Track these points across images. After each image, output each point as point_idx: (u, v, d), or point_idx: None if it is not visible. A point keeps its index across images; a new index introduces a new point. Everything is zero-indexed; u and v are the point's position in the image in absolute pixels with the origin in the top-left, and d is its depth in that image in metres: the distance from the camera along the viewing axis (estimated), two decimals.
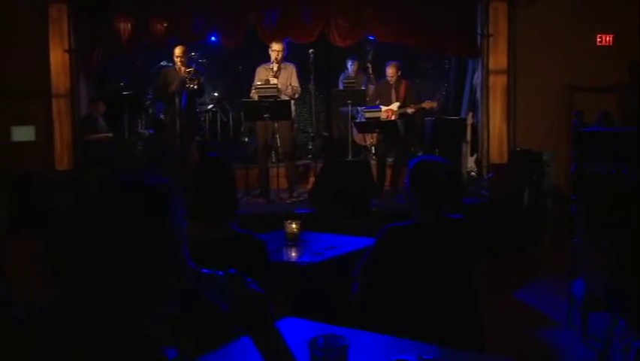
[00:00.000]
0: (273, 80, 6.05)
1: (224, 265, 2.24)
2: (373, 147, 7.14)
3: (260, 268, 2.35)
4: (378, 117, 6.31)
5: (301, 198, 6.14)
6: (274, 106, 5.77)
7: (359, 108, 7.72)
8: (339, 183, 5.43)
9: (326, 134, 8.85)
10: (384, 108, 6.63)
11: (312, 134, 7.61)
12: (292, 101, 6.20)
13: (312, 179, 7.03)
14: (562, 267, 4.52)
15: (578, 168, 4.77)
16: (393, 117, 6.57)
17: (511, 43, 7.14)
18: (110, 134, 6.93)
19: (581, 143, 4.70)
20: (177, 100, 5.90)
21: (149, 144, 6.80)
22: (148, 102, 7.78)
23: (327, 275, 2.99)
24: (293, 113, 6.21)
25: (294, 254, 3.21)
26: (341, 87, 8.03)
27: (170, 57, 7.02)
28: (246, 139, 6.59)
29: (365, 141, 7.14)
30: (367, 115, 6.30)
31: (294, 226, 3.35)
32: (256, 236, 2.41)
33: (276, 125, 6.03)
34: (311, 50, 6.34)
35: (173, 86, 6.02)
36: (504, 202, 6.20)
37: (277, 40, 6.46)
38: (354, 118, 7.77)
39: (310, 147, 7.82)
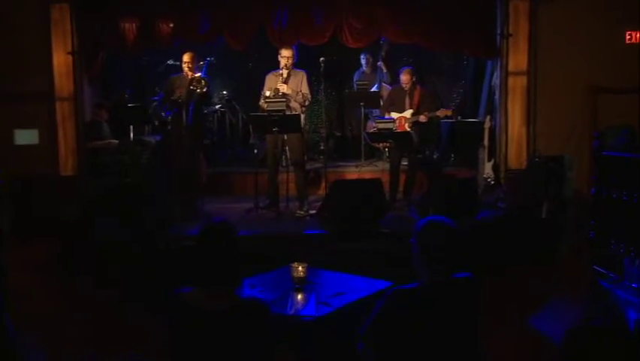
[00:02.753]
0: (283, 88, 6.00)
1: (227, 337, 2.34)
2: (387, 149, 7.15)
3: (263, 336, 2.41)
4: (391, 128, 6.28)
5: (311, 212, 6.15)
6: (283, 120, 5.76)
7: (373, 111, 7.78)
8: (350, 203, 5.40)
9: (339, 134, 8.85)
10: (397, 115, 6.58)
11: (323, 135, 7.59)
12: (302, 115, 6.15)
13: (323, 185, 7.07)
14: (582, 286, 4.48)
15: (597, 192, 4.74)
16: (406, 125, 6.53)
17: (532, 43, 6.97)
18: (116, 141, 6.95)
19: (602, 167, 4.67)
20: (184, 112, 5.87)
21: (156, 151, 6.82)
22: (155, 103, 7.79)
23: (334, 329, 2.97)
24: (303, 122, 6.17)
25: (300, 302, 3.20)
26: (354, 88, 8.07)
27: (177, 56, 6.99)
28: (255, 150, 6.59)
29: (378, 142, 7.17)
30: (380, 126, 6.28)
31: (300, 269, 3.34)
32: (259, 301, 2.44)
33: (285, 136, 6.04)
34: (322, 59, 6.28)
35: (179, 92, 5.98)
36: (521, 214, 6.13)
37: (287, 44, 6.39)
38: (367, 117, 7.84)
39: (322, 147, 7.78)
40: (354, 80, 8.25)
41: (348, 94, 8.10)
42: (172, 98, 6.04)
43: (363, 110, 7.63)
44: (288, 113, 5.95)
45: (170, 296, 2.43)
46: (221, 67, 8.28)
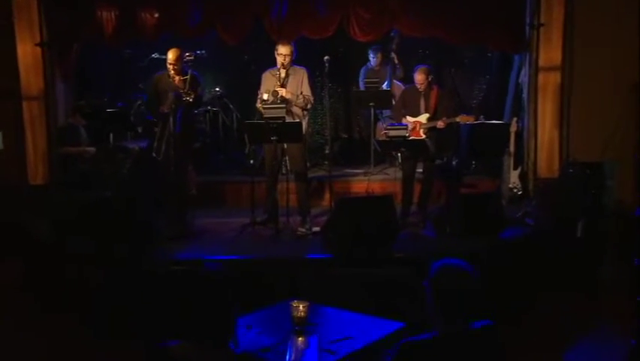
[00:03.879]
0: (282, 93, 5.95)
1: None
2: (400, 155, 7.11)
3: None
4: (404, 135, 6.25)
5: (314, 230, 6.10)
6: (283, 128, 5.73)
7: (384, 112, 7.75)
8: (357, 223, 5.36)
9: (345, 136, 8.86)
10: (411, 120, 6.53)
11: (327, 137, 7.59)
12: (304, 120, 6.13)
13: (327, 196, 7.07)
14: (625, 318, 4.42)
15: None
16: (421, 131, 6.48)
17: (567, 34, 6.93)
18: (93, 148, 6.91)
19: None
20: (171, 119, 5.81)
21: (140, 160, 6.77)
22: (139, 102, 7.80)
23: None
24: (305, 127, 6.11)
25: (300, 349, 3.12)
26: (362, 86, 8.05)
27: (163, 48, 6.89)
28: (251, 161, 6.62)
29: (389, 151, 7.06)
30: (391, 133, 6.24)
31: (301, 308, 3.29)
32: (257, 355, 2.44)
33: (285, 145, 6.03)
34: (326, 58, 6.22)
35: (166, 106, 5.92)
36: (553, 232, 6.07)
37: (287, 38, 6.33)
38: (377, 118, 7.81)
39: (327, 151, 7.77)
40: (361, 78, 8.22)
41: (356, 93, 8.07)
42: (159, 110, 6.01)
43: (373, 111, 7.60)
44: (288, 119, 5.94)
45: (153, 351, 2.42)
46: (213, 60, 8.28)
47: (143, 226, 5.64)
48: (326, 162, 7.77)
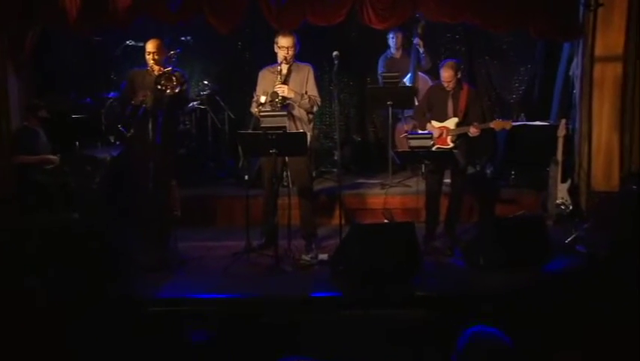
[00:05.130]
0: (282, 91, 5.91)
1: None
2: (423, 165, 7.00)
3: None
4: (428, 146, 6.14)
5: (321, 258, 6.05)
6: (284, 140, 5.66)
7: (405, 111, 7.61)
8: (372, 255, 5.38)
9: (358, 138, 8.80)
10: (437, 125, 6.40)
11: (336, 139, 7.45)
12: (309, 125, 6.11)
13: (337, 212, 6.89)
14: None
15: None
16: (448, 139, 6.37)
17: (632, 17, 6.83)
18: (55, 157, 6.78)
19: None
20: (150, 124, 5.76)
21: (112, 173, 6.71)
22: (111, 100, 7.73)
23: None
24: (309, 135, 6.02)
25: None
26: (381, 81, 8.03)
27: (139, 34, 6.94)
28: (246, 177, 6.55)
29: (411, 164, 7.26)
30: (413, 144, 6.13)
31: None
32: None
33: (287, 158, 6.05)
34: (335, 53, 6.10)
35: (142, 95, 5.85)
36: (612, 263, 5.90)
37: (289, 25, 6.30)
38: (397, 118, 7.68)
39: (336, 157, 7.69)
40: (380, 68, 8.13)
41: (371, 90, 8.00)
42: (132, 103, 5.91)
43: (390, 110, 7.52)
44: (290, 125, 5.88)
45: None
46: (200, 47, 8.23)
47: (116, 255, 5.49)
48: (335, 170, 7.73)
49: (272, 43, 6.12)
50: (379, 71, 8.11)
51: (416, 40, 7.84)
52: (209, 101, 8.26)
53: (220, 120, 8.32)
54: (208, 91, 8.33)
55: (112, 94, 7.83)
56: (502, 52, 8.70)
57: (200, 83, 8.47)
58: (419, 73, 7.83)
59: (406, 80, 7.78)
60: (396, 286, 5.34)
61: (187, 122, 8.09)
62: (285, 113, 5.81)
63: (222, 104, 8.28)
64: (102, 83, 8.10)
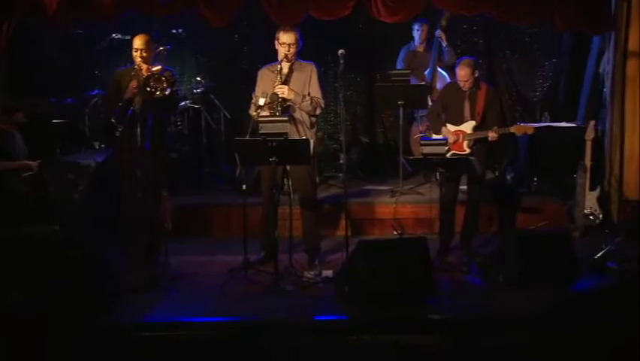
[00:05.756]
0: (282, 92, 5.92)
1: None
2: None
3: None
4: (442, 152, 6.09)
5: (325, 275, 6.04)
6: (285, 147, 5.62)
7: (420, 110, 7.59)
8: (381, 274, 5.39)
9: (366, 140, 8.80)
10: (452, 129, 6.38)
11: (342, 142, 7.44)
12: (312, 131, 6.14)
13: (342, 223, 6.94)
14: None
15: None
16: (464, 144, 6.36)
17: None
18: (34, 163, 6.70)
19: None
20: (139, 129, 5.76)
21: (97, 181, 6.74)
22: (96, 98, 7.73)
23: None
24: (313, 142, 5.98)
25: None
26: None
27: (125, 27, 7.02)
28: (244, 186, 6.54)
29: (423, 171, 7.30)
30: (426, 150, 6.09)
31: None
32: None
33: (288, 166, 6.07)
34: (341, 51, 6.04)
35: (129, 91, 5.87)
36: None
37: (290, 19, 6.39)
38: (411, 119, 7.66)
39: (341, 160, 7.57)
40: (399, 62, 8.17)
41: (380, 89, 7.95)
42: (119, 104, 5.89)
43: (401, 111, 7.52)
44: (290, 128, 5.87)
45: None
46: (194, 41, 8.31)
47: (100, 272, 5.55)
48: (340, 175, 7.72)
49: (272, 35, 6.09)
50: (398, 65, 8.10)
51: (438, 32, 7.84)
52: (203, 100, 8.27)
53: (215, 120, 8.32)
54: (202, 89, 8.31)
55: (96, 91, 7.80)
56: (524, 45, 8.69)
57: (193, 80, 8.47)
58: (438, 69, 7.83)
59: (426, 74, 7.82)
60: (407, 308, 5.33)
61: (179, 123, 8.09)
62: (286, 118, 5.77)
63: (217, 102, 8.28)
64: (86, 80, 8.14)
